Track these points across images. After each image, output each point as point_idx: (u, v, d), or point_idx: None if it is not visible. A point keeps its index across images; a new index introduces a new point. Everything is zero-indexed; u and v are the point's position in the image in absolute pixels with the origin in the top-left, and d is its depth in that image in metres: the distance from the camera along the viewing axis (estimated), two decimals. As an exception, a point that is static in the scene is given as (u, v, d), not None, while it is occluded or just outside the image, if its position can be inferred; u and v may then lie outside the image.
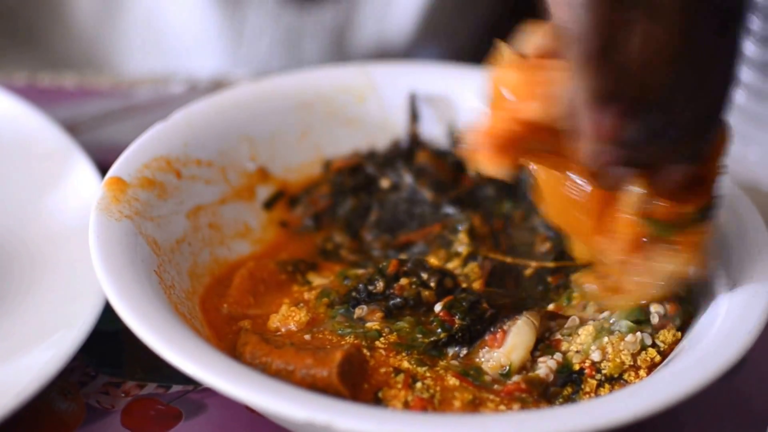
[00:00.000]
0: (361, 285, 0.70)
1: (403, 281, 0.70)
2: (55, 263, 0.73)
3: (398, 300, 0.69)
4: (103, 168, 0.76)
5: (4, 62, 1.09)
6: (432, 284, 0.70)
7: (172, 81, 0.96)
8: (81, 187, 0.78)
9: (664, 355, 0.66)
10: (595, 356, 0.66)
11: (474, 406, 0.63)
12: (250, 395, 0.58)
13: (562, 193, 0.65)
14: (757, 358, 0.70)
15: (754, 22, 0.88)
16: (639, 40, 0.58)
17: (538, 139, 0.64)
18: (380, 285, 0.69)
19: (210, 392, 0.69)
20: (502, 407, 0.63)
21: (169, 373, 0.68)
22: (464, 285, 0.71)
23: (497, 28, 1.28)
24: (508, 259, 0.73)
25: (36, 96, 0.88)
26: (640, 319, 0.67)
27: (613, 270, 0.67)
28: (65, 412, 0.68)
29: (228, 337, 0.68)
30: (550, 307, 0.70)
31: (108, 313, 0.67)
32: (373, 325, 0.68)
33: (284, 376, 0.63)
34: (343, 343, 0.66)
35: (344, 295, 0.70)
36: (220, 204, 0.76)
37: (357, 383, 0.64)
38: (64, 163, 0.79)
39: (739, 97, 0.91)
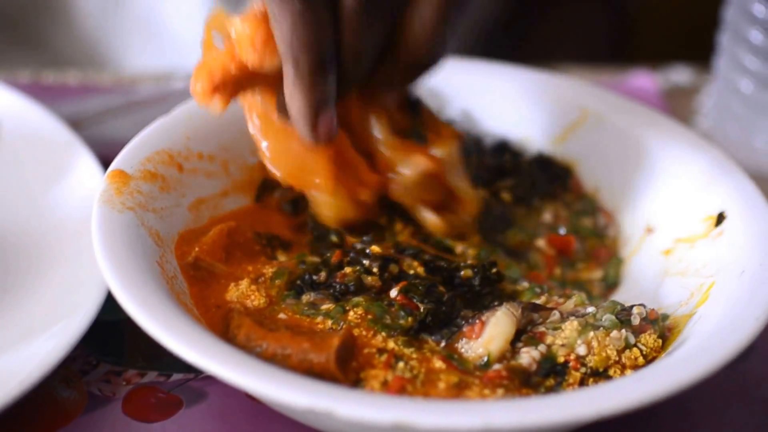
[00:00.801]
0: (306, 275, 0.70)
1: (347, 270, 0.69)
2: (59, 255, 0.74)
3: (342, 286, 0.69)
4: (105, 162, 0.76)
5: (9, 61, 1.10)
6: (374, 270, 0.69)
7: (174, 77, 0.97)
8: (84, 180, 0.78)
9: (647, 358, 0.66)
10: (581, 350, 0.65)
11: (459, 389, 0.63)
12: (252, 383, 0.59)
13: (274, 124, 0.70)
14: (764, 345, 0.71)
15: (761, 11, 0.88)
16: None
17: (252, 83, 0.68)
18: (323, 275, 0.69)
19: (210, 380, 0.69)
20: (486, 392, 0.63)
21: (169, 362, 0.69)
22: (411, 272, 0.70)
23: (497, 26, 1.29)
24: (431, 250, 0.73)
25: (40, 93, 0.89)
26: (623, 318, 0.67)
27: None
28: (67, 399, 0.68)
29: (211, 311, 0.68)
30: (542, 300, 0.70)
31: (109, 303, 0.67)
32: (327, 307, 0.68)
33: (280, 360, 0.64)
34: (336, 327, 0.66)
35: (290, 282, 0.70)
36: (222, 197, 0.76)
37: (349, 367, 0.64)
38: (68, 157, 0.80)
39: (745, 86, 0.91)
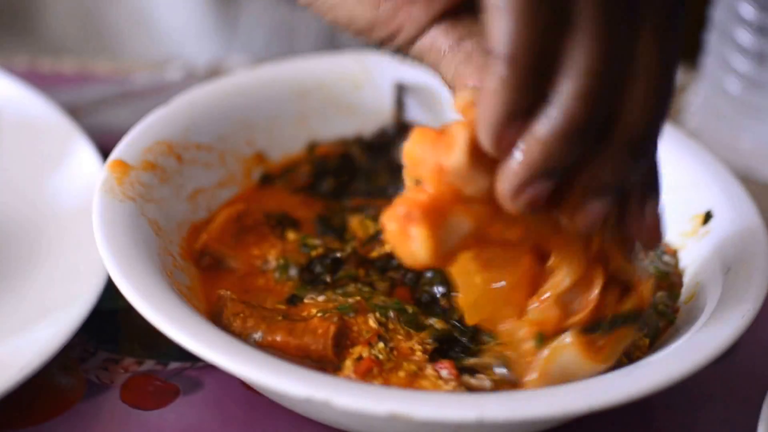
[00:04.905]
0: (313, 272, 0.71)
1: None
2: (58, 243, 0.74)
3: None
4: (103, 151, 0.77)
5: (4, 47, 1.09)
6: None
7: (170, 67, 0.97)
8: (83, 169, 0.78)
9: (631, 357, 0.66)
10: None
11: (414, 377, 0.64)
12: (251, 372, 0.60)
13: (483, 284, 0.60)
14: (749, 343, 0.71)
15: (750, 12, 0.89)
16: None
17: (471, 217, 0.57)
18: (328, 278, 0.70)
19: (207, 370, 0.70)
20: (440, 383, 0.63)
21: (166, 351, 0.70)
22: None
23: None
24: None
25: (36, 80, 0.88)
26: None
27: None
28: (66, 386, 0.69)
29: (206, 290, 0.69)
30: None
31: (107, 292, 0.68)
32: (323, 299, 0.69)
33: (279, 347, 0.65)
34: (329, 315, 0.67)
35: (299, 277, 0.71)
36: (219, 187, 0.77)
37: (343, 347, 0.66)
38: (67, 146, 0.80)
39: (733, 86, 0.92)
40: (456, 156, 0.55)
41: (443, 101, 0.84)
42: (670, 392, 0.62)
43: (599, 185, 0.55)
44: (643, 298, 0.61)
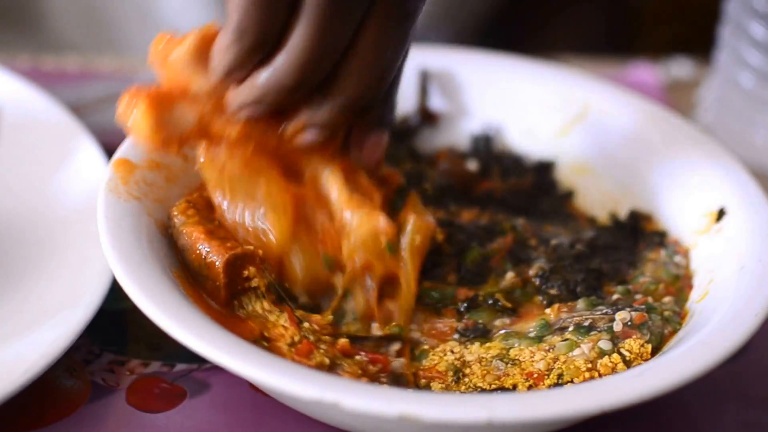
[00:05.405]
0: None
1: None
2: (62, 243, 0.74)
3: None
4: (106, 150, 0.77)
5: (7, 44, 1.09)
6: None
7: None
8: (87, 168, 0.78)
9: (629, 364, 0.65)
10: (540, 365, 0.65)
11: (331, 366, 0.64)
12: (260, 374, 0.59)
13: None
14: (762, 342, 0.71)
15: (762, 5, 0.88)
16: None
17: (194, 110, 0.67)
18: None
19: (214, 371, 0.69)
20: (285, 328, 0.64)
21: (172, 352, 0.69)
22: None
23: (497, 16, 1.30)
24: None
25: (39, 78, 0.88)
26: (603, 327, 0.66)
27: None
28: (71, 389, 0.68)
29: None
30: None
31: (112, 292, 0.67)
32: None
33: (187, 250, 0.67)
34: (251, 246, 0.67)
35: None
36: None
37: (238, 275, 0.66)
38: (70, 144, 0.80)
39: (746, 80, 0.91)
40: (180, 51, 0.65)
41: (466, 89, 0.84)
42: (683, 392, 0.62)
43: (313, 122, 0.66)
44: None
